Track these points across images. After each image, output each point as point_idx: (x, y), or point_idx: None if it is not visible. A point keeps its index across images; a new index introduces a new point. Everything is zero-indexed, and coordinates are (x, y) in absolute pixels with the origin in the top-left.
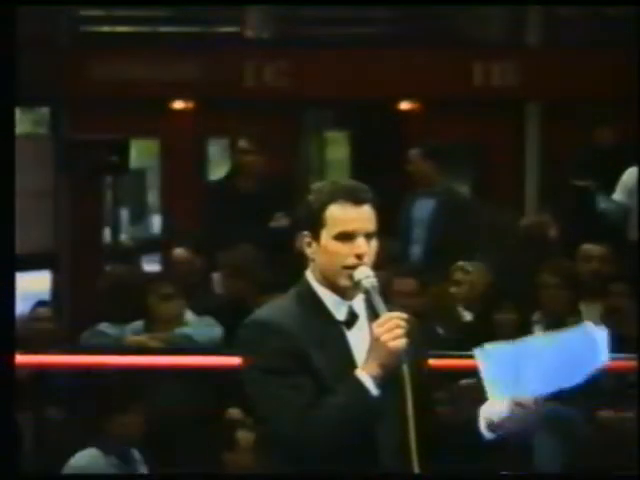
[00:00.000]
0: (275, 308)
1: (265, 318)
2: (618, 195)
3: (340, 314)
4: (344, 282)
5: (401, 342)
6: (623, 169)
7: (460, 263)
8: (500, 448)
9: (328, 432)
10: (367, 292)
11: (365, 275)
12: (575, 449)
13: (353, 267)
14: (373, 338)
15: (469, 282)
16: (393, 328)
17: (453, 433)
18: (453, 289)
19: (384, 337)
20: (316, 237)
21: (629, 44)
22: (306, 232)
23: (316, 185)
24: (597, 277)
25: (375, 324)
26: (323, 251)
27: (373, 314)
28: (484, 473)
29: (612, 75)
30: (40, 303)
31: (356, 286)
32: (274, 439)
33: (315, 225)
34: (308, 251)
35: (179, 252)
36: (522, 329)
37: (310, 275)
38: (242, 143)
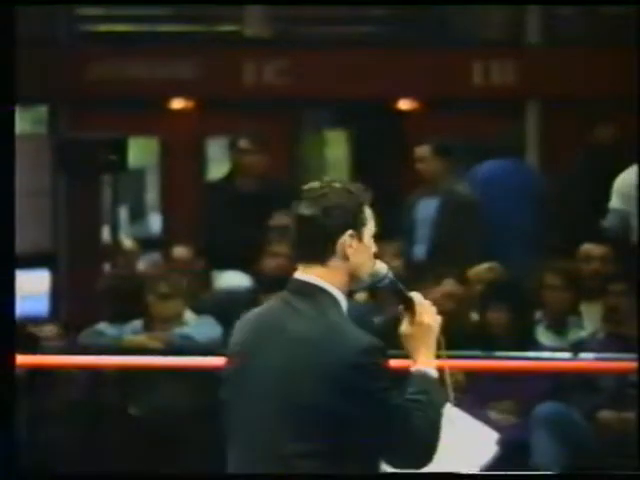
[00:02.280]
0: (351, 327)
1: (373, 340)
2: (615, 203)
3: None
4: (367, 279)
5: (439, 319)
6: (622, 169)
7: (490, 264)
8: (500, 448)
9: (435, 431)
10: (392, 283)
11: (386, 267)
12: (575, 449)
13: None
14: (426, 327)
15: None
16: (433, 310)
17: None
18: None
19: (433, 322)
20: (359, 236)
21: (629, 43)
22: (352, 231)
23: (344, 185)
24: (598, 277)
25: (423, 314)
26: (365, 250)
27: (400, 300)
28: (484, 473)
29: (612, 74)
30: None
31: (382, 280)
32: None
33: (359, 224)
34: (349, 251)
35: (179, 251)
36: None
37: (326, 283)
38: (241, 142)
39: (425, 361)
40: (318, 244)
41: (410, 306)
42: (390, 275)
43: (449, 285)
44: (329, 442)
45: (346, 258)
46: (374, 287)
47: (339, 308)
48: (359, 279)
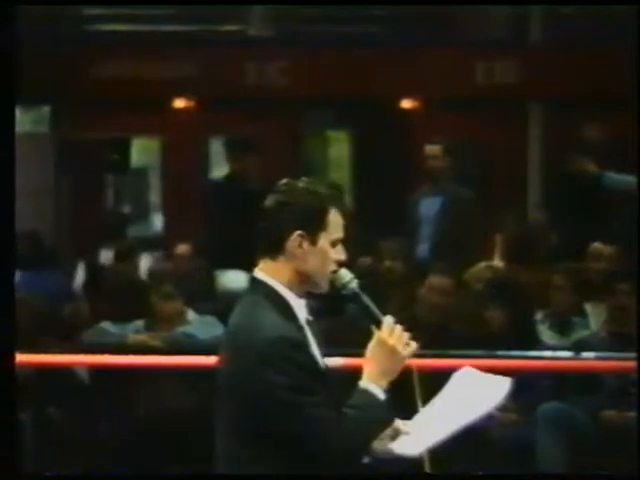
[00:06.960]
0: (274, 320)
1: (287, 333)
2: None
3: (301, 315)
4: (325, 285)
5: (413, 347)
6: (620, 167)
7: (488, 263)
8: (500, 448)
9: (354, 444)
10: (355, 294)
11: (350, 277)
12: (576, 448)
13: (334, 272)
14: (386, 349)
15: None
16: (401, 335)
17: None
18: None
19: (399, 347)
20: (313, 239)
21: (630, 43)
22: (302, 232)
23: (309, 186)
24: (605, 276)
25: (383, 334)
26: (318, 254)
27: (367, 317)
28: (484, 473)
29: (613, 73)
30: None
31: (342, 288)
32: (309, 454)
33: (315, 227)
34: (297, 252)
35: (181, 250)
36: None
37: (270, 278)
38: (243, 142)
39: (374, 379)
40: (268, 238)
41: (379, 326)
42: (354, 286)
43: (437, 279)
44: (263, 445)
45: (293, 258)
46: (339, 296)
47: (277, 303)
48: (315, 283)
